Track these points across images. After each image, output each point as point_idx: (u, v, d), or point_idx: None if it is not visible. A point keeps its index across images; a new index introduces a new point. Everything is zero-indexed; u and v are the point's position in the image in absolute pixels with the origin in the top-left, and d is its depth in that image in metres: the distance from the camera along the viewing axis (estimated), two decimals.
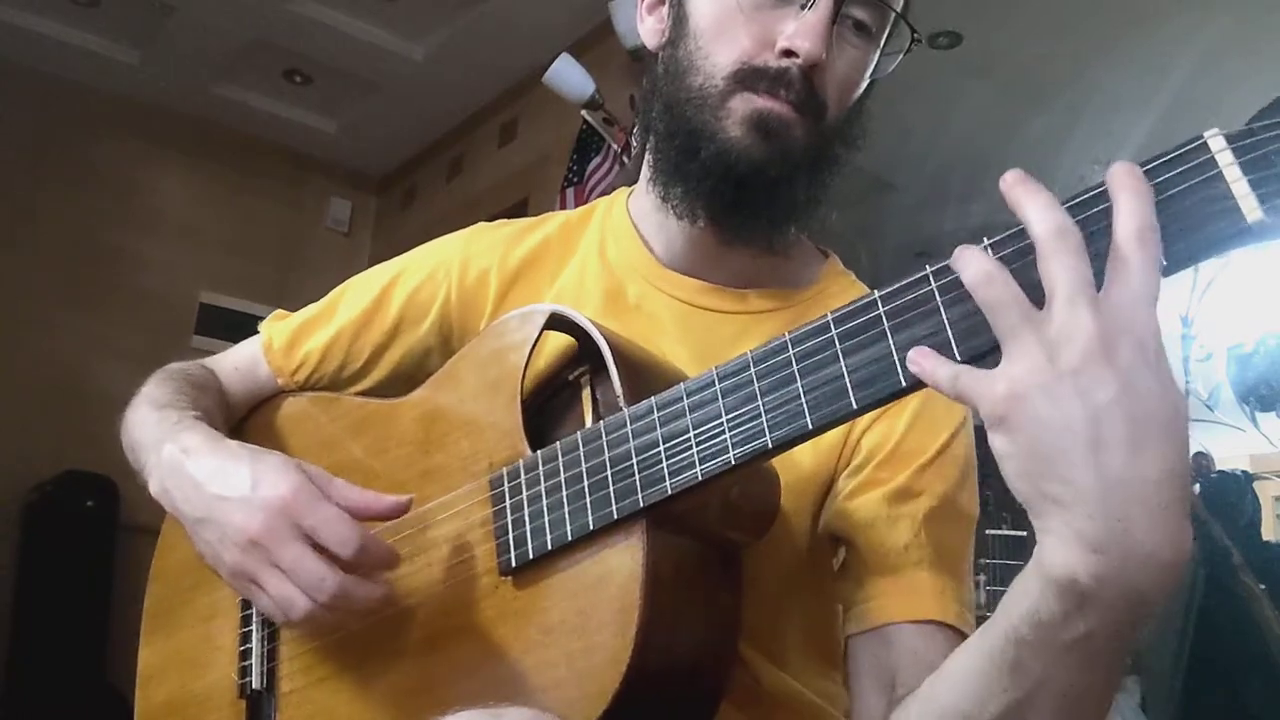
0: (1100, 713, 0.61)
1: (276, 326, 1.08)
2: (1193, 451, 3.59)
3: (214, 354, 1.11)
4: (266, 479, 0.78)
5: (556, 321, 0.82)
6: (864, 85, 0.91)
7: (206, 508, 0.80)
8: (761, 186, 0.87)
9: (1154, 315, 0.52)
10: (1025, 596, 0.57)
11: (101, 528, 3.78)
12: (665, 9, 0.95)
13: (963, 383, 0.56)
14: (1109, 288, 0.52)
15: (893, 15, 0.89)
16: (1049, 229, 0.54)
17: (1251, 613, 2.82)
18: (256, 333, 1.10)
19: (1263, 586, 2.87)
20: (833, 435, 0.88)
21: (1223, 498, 3.26)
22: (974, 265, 0.56)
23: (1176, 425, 0.52)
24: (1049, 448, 0.52)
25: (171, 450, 0.86)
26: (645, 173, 0.98)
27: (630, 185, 1.05)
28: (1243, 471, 3.47)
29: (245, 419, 1.07)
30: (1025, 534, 1.74)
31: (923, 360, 0.58)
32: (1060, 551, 0.53)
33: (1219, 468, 3.47)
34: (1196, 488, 3.27)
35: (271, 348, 1.07)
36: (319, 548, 0.75)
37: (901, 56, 0.91)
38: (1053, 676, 0.58)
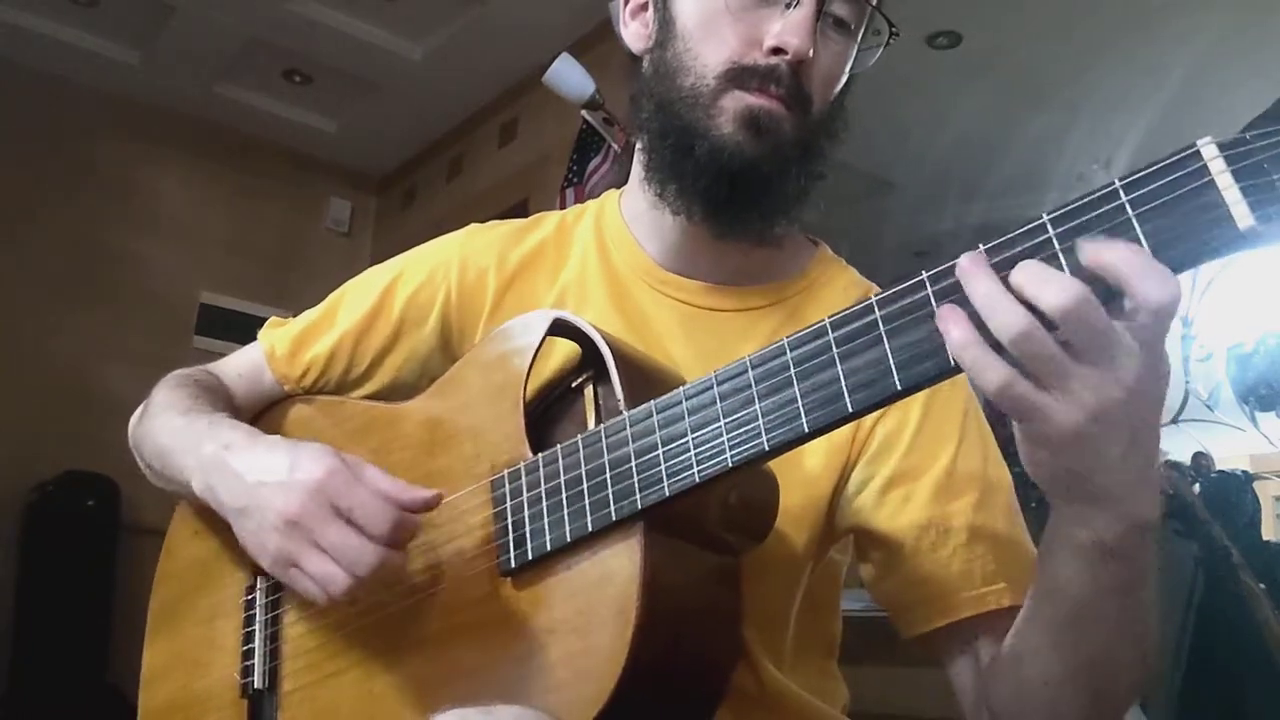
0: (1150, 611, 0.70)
1: (277, 334, 1.09)
2: (1192, 451, 3.60)
3: (214, 354, 1.12)
4: (303, 463, 0.80)
5: (560, 327, 0.83)
6: (845, 79, 0.94)
7: (248, 496, 0.83)
8: (755, 181, 0.89)
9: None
10: (1065, 567, 0.66)
11: (102, 528, 3.79)
12: (650, 13, 0.97)
13: (1019, 393, 0.57)
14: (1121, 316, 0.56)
15: (869, 10, 0.92)
16: (1064, 303, 0.54)
17: (1251, 613, 2.82)
18: (255, 339, 1.10)
19: (1263, 586, 2.87)
20: (842, 431, 0.89)
21: (1223, 498, 3.26)
22: (1008, 319, 0.56)
23: (1164, 393, 0.59)
24: (1097, 461, 0.59)
25: (213, 448, 0.88)
26: (638, 172, 1.00)
27: (619, 188, 1.06)
28: (1243, 471, 3.48)
29: (253, 423, 1.07)
30: None
31: (970, 351, 0.57)
32: (1087, 528, 0.63)
33: (1219, 468, 3.48)
34: (1196, 488, 3.27)
35: (274, 355, 1.07)
36: (354, 526, 0.76)
37: (881, 50, 0.94)
38: (1114, 614, 0.68)
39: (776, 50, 0.87)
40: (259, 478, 0.82)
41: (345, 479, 0.78)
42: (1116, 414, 0.56)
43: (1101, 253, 0.54)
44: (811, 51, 0.87)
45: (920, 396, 0.89)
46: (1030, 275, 0.56)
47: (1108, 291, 0.54)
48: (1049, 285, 0.55)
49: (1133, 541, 0.63)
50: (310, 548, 0.77)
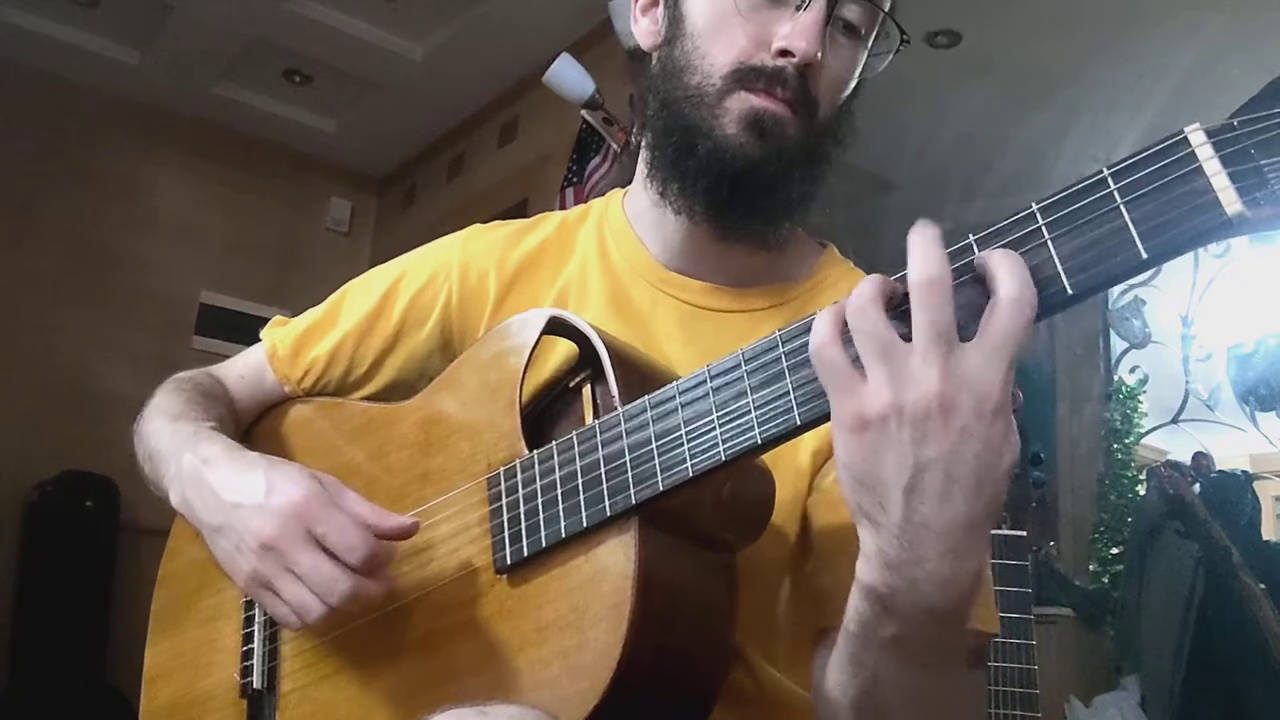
0: (950, 712, 0.68)
1: (279, 333, 1.09)
2: (1193, 451, 3.61)
3: (214, 353, 1.12)
4: (280, 485, 0.80)
5: (556, 325, 0.83)
6: (853, 84, 0.93)
7: (224, 515, 0.82)
8: (757, 184, 0.88)
9: (1004, 375, 0.55)
10: (849, 599, 0.64)
11: (101, 528, 3.79)
12: (660, 10, 0.97)
13: (829, 357, 0.59)
14: (975, 342, 0.55)
15: (881, 16, 0.91)
16: (919, 277, 0.56)
17: (1251, 613, 2.83)
18: (258, 339, 1.10)
19: (1263, 586, 2.87)
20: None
21: (1223, 498, 3.26)
22: (857, 291, 0.59)
23: (991, 480, 0.56)
24: (874, 477, 0.57)
25: (191, 460, 0.88)
26: (641, 170, 1.00)
27: (624, 188, 1.06)
28: (1243, 471, 3.49)
29: (252, 425, 1.07)
30: (1024, 533, 1.75)
31: (820, 329, 0.60)
32: (866, 564, 0.60)
33: (1219, 468, 3.48)
34: (1196, 488, 3.28)
35: (276, 355, 1.07)
36: (329, 553, 0.76)
37: (891, 57, 0.93)
38: (884, 672, 0.66)
39: (784, 52, 0.86)
40: (235, 498, 0.82)
41: (322, 503, 0.77)
42: (903, 429, 0.55)
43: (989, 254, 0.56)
44: (820, 55, 0.86)
45: None
46: (918, 243, 0.57)
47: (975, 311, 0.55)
48: (923, 256, 0.56)
49: (917, 617, 0.59)
50: (284, 573, 0.77)
